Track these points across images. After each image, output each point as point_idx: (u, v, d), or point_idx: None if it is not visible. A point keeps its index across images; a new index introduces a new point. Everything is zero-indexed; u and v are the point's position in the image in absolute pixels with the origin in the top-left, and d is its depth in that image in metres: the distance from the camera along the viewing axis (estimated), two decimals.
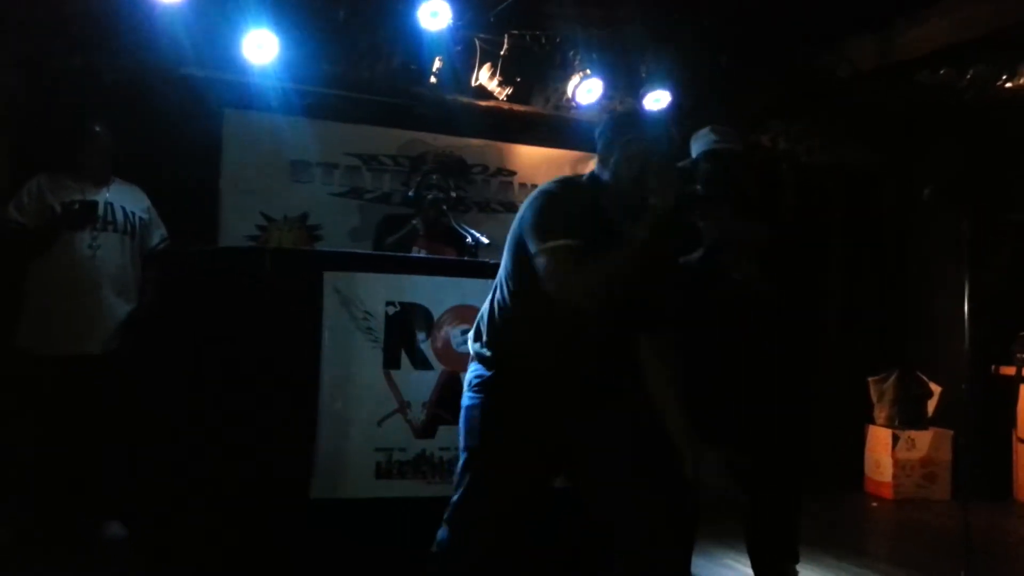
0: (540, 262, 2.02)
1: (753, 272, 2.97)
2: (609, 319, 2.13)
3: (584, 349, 2.15)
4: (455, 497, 2.14)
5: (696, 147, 3.13)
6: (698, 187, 3.07)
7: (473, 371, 2.22)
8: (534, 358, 2.15)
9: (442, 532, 2.14)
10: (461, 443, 2.18)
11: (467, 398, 2.20)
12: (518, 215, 2.16)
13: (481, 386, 2.17)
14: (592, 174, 2.25)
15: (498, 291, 2.20)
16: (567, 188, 2.17)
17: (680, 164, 3.06)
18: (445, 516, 2.15)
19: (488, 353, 2.19)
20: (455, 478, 2.17)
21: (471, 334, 2.28)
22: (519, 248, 2.11)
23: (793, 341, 3.13)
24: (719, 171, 3.05)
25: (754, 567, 3.17)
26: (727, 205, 3.04)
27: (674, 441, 2.14)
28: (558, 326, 2.11)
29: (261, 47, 4.02)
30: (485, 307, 2.25)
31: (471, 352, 2.25)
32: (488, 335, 2.20)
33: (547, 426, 2.13)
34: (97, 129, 3.56)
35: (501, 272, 2.21)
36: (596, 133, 2.28)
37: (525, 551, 2.52)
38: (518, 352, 2.16)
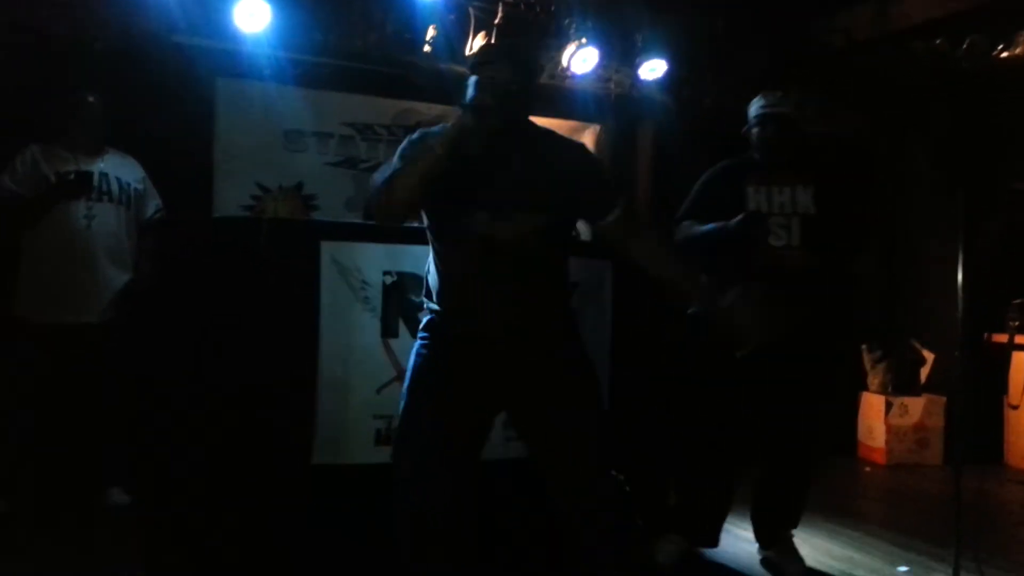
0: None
1: (793, 241, 2.97)
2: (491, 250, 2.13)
3: (499, 298, 2.16)
4: (397, 435, 2.28)
5: (749, 113, 3.14)
6: (755, 155, 3.09)
7: (423, 317, 2.31)
8: (457, 309, 2.21)
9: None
10: (405, 384, 2.26)
11: (416, 343, 2.29)
12: None
13: (426, 328, 2.27)
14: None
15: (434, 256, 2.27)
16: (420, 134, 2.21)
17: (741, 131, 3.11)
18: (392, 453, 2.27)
19: (427, 300, 2.28)
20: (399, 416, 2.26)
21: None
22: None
23: (826, 313, 3.10)
24: (768, 136, 3.05)
25: (755, 529, 3.21)
26: (777, 171, 3.04)
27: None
28: (462, 267, 2.17)
29: (253, 15, 3.97)
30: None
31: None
32: (427, 283, 2.29)
33: (486, 373, 2.19)
34: (90, 99, 3.53)
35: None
36: None
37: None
38: (445, 297, 2.22)
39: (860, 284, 4.73)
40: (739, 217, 2.92)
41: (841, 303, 3.63)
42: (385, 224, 2.18)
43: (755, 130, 3.08)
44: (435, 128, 2.21)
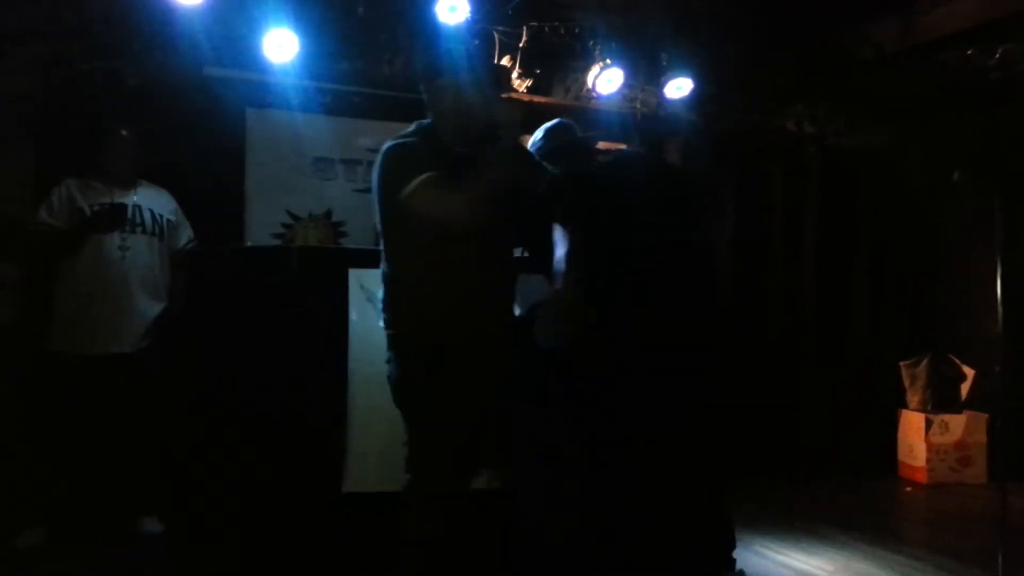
0: (408, 205, 2.19)
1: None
2: (472, 261, 2.29)
3: (463, 300, 2.30)
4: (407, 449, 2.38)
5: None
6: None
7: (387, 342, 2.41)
8: (425, 320, 2.32)
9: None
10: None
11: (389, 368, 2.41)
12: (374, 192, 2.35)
13: (392, 350, 2.39)
14: (417, 124, 2.44)
15: (383, 265, 2.39)
16: (398, 146, 2.34)
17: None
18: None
19: (388, 320, 2.39)
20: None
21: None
22: (379, 221, 2.34)
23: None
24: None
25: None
26: None
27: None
28: (433, 283, 2.29)
29: (281, 46, 4.02)
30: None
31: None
32: (385, 306, 2.39)
33: (458, 384, 2.30)
34: (123, 133, 3.60)
35: (383, 247, 2.39)
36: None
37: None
38: (408, 315, 2.34)
39: None
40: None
41: None
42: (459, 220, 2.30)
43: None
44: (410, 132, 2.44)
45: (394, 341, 2.39)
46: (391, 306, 2.38)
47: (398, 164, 2.28)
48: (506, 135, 2.27)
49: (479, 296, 2.32)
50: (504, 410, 2.36)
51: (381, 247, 2.40)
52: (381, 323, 2.43)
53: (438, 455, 2.32)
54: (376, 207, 2.36)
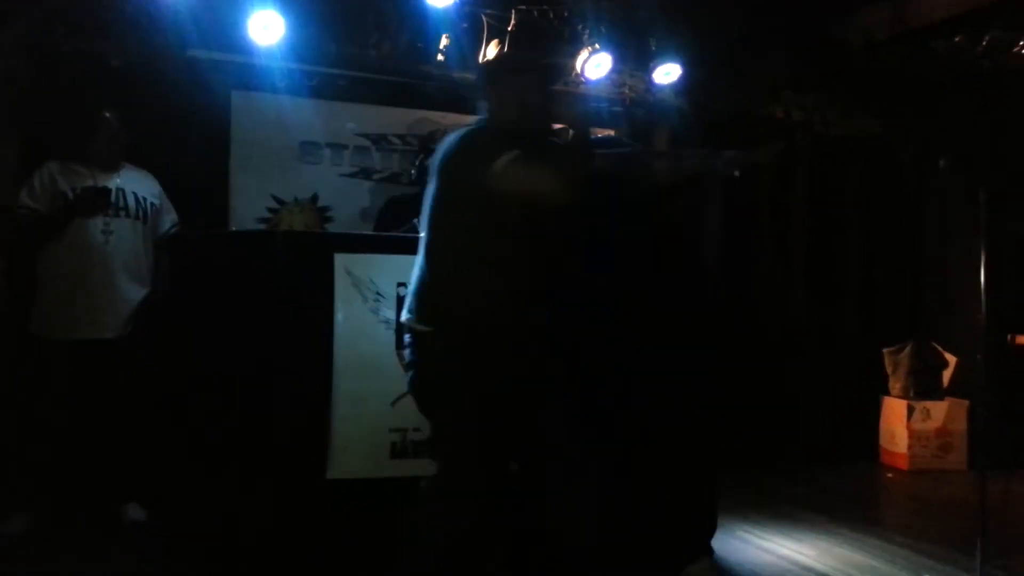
0: (501, 178, 2.16)
1: None
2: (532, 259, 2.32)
3: (514, 302, 2.31)
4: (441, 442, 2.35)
5: None
6: None
7: (408, 340, 2.40)
8: (474, 315, 2.29)
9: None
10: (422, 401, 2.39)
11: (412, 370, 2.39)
12: (437, 184, 2.32)
13: (420, 346, 2.35)
14: (479, 122, 2.43)
15: (424, 260, 2.35)
16: (474, 133, 2.36)
17: None
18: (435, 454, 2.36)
19: (427, 317, 2.33)
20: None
21: (406, 307, 2.42)
22: (450, 209, 2.29)
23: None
24: None
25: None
26: None
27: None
28: (495, 278, 2.28)
29: (267, 28, 3.98)
30: (415, 280, 2.38)
31: (406, 321, 2.40)
32: (428, 302, 2.33)
33: (492, 379, 2.29)
34: (107, 115, 3.56)
35: (429, 243, 2.35)
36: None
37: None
38: (459, 311, 2.30)
39: None
40: None
41: None
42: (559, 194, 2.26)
43: None
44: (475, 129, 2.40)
45: (425, 338, 2.34)
46: (430, 300, 2.34)
47: (479, 145, 2.27)
48: (571, 127, 2.32)
49: (524, 296, 2.33)
50: (531, 408, 2.36)
51: (424, 239, 2.36)
52: (405, 317, 2.39)
53: (472, 452, 2.30)
54: (439, 194, 2.32)
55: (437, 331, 2.31)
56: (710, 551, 3.00)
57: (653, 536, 2.82)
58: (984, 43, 4.71)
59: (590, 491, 2.45)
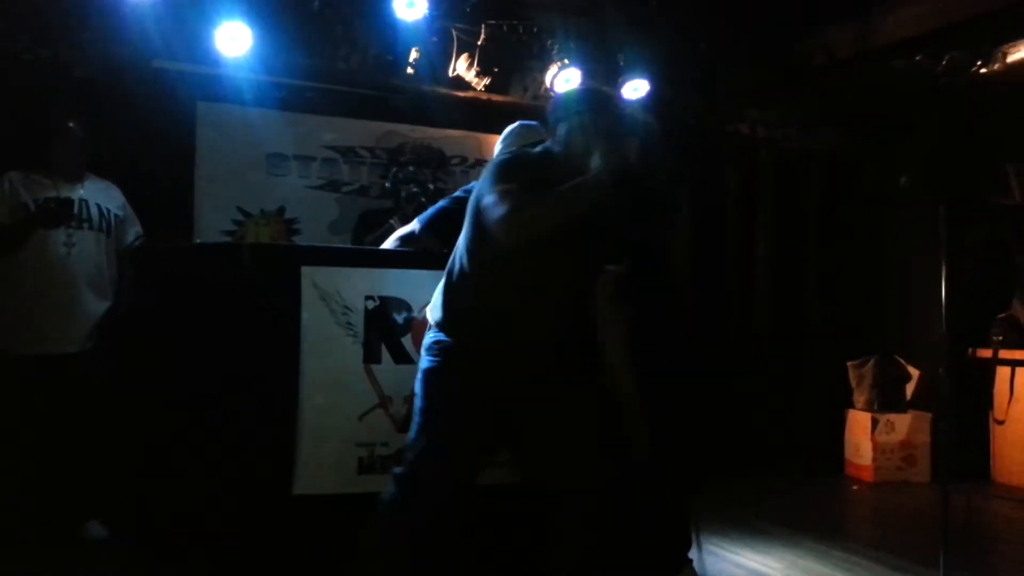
0: (488, 201, 2.14)
1: None
2: (557, 281, 2.27)
3: (536, 316, 2.27)
4: (411, 456, 2.31)
5: None
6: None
7: (431, 337, 2.36)
8: (488, 325, 2.27)
9: (390, 489, 2.33)
10: (417, 404, 2.34)
11: (425, 361, 2.35)
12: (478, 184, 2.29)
13: (439, 351, 2.31)
14: (545, 147, 2.37)
15: (457, 260, 2.33)
16: (521, 155, 2.36)
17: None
18: (398, 472, 2.32)
19: (445, 319, 2.32)
20: (409, 439, 2.34)
21: (431, 303, 2.41)
22: (477, 213, 2.23)
23: None
24: None
25: None
26: None
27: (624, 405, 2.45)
28: (512, 291, 2.25)
29: (234, 39, 3.97)
30: (444, 278, 2.38)
31: (430, 320, 2.39)
32: (446, 302, 2.33)
33: (498, 394, 2.26)
34: (70, 125, 3.51)
35: (461, 242, 2.33)
36: (547, 109, 2.43)
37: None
38: (473, 319, 2.29)
39: None
40: None
41: None
42: (513, 242, 2.18)
43: None
44: (535, 151, 2.35)
45: (441, 344, 2.32)
46: (450, 306, 2.32)
47: (508, 164, 2.26)
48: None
49: (547, 310, 2.29)
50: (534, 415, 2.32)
51: (465, 247, 2.31)
52: (435, 313, 2.38)
53: (447, 452, 2.29)
54: (475, 203, 2.28)
55: (447, 341, 2.32)
56: (689, 562, 3.01)
57: (635, 547, 2.82)
58: (944, 62, 4.81)
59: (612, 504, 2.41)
